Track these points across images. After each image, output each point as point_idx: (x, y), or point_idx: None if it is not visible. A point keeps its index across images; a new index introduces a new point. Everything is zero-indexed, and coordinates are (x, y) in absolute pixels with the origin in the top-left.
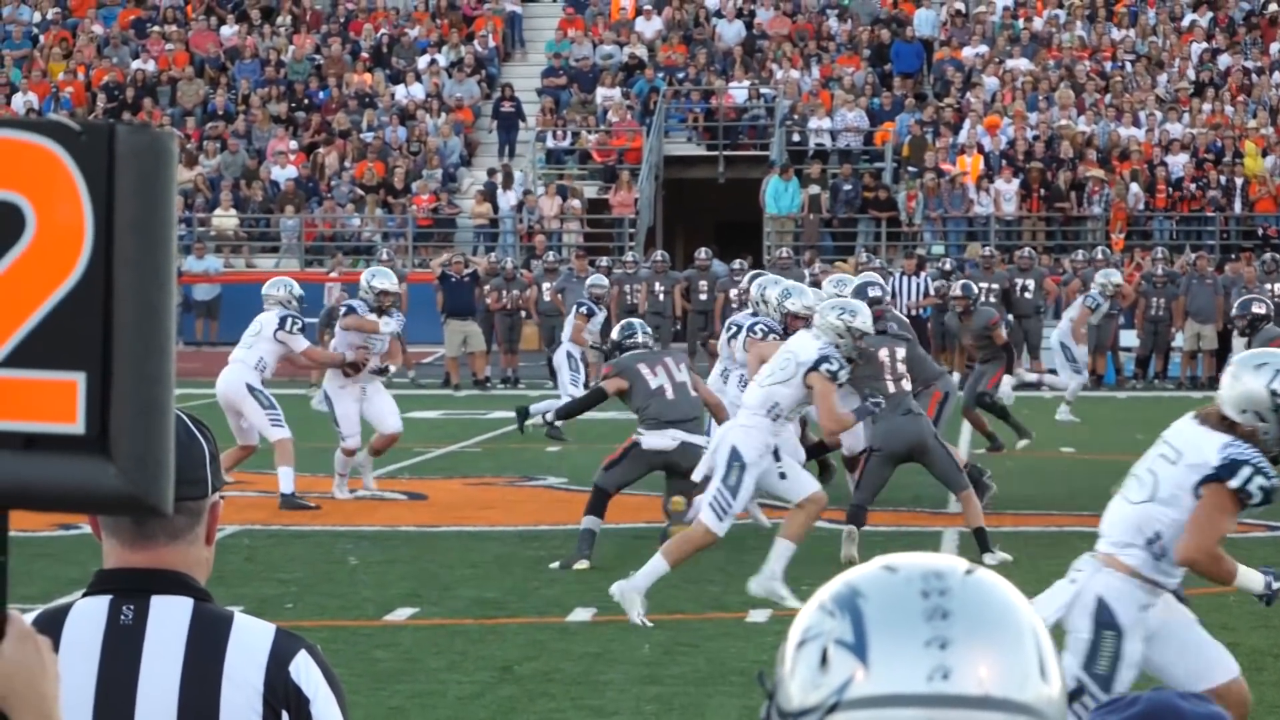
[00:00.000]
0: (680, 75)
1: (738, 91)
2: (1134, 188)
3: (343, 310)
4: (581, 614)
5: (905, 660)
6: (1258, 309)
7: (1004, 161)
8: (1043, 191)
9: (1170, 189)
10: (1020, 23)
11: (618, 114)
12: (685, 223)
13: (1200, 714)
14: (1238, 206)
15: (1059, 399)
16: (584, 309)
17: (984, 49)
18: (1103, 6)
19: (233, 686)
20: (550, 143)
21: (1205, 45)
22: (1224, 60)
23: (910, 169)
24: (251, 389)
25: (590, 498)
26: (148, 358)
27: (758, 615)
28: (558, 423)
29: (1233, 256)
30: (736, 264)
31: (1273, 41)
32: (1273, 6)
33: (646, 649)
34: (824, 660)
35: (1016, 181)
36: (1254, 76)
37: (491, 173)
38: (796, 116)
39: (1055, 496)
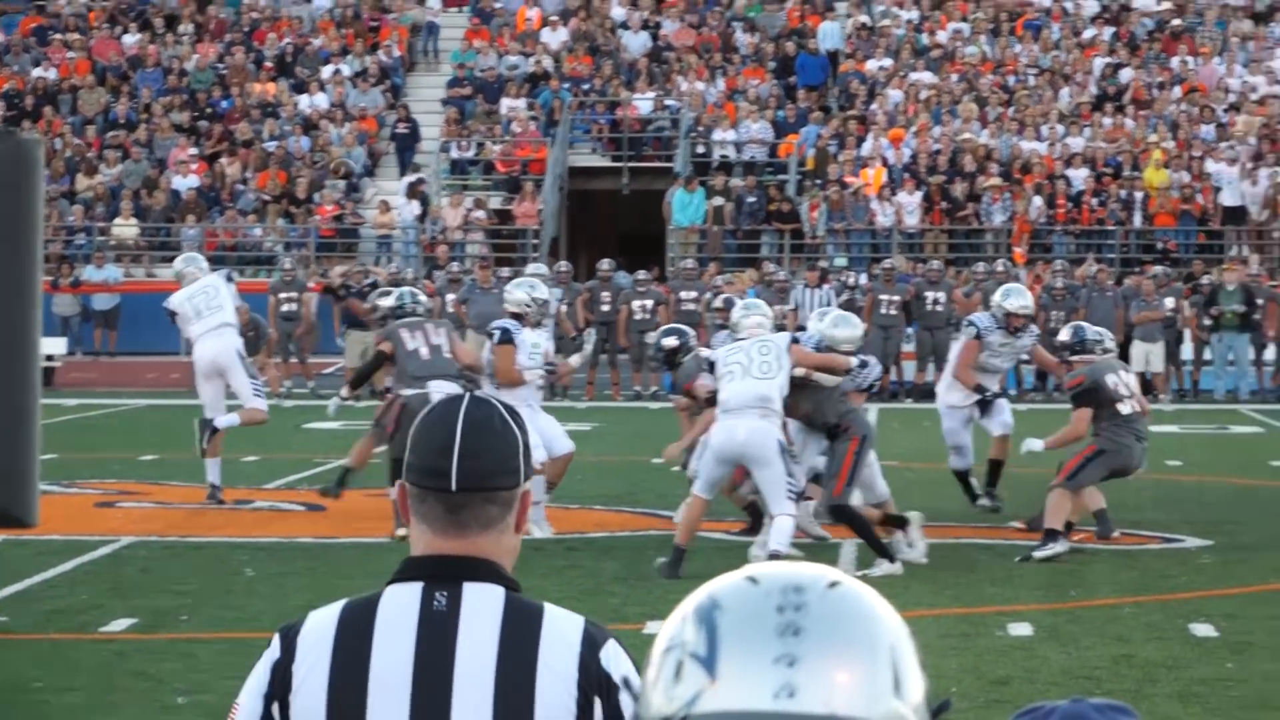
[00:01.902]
0: (585, 86)
1: (643, 103)
2: (1036, 201)
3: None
4: None
5: (753, 677)
6: None
7: (907, 174)
8: (944, 204)
9: (1071, 202)
10: (924, 36)
11: (522, 125)
12: (589, 234)
13: None
14: (1138, 220)
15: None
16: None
17: (888, 62)
18: (1006, 21)
19: (549, 674)
20: (454, 153)
21: (1107, 60)
22: (1126, 74)
23: (815, 181)
24: (240, 356)
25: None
26: (9, 367)
27: (656, 626)
28: (344, 395)
29: (1136, 270)
30: (641, 275)
31: (1174, 56)
32: (1175, 21)
33: None
34: (678, 672)
35: (919, 194)
36: (1155, 91)
37: (417, 183)
38: (701, 128)
39: (954, 509)
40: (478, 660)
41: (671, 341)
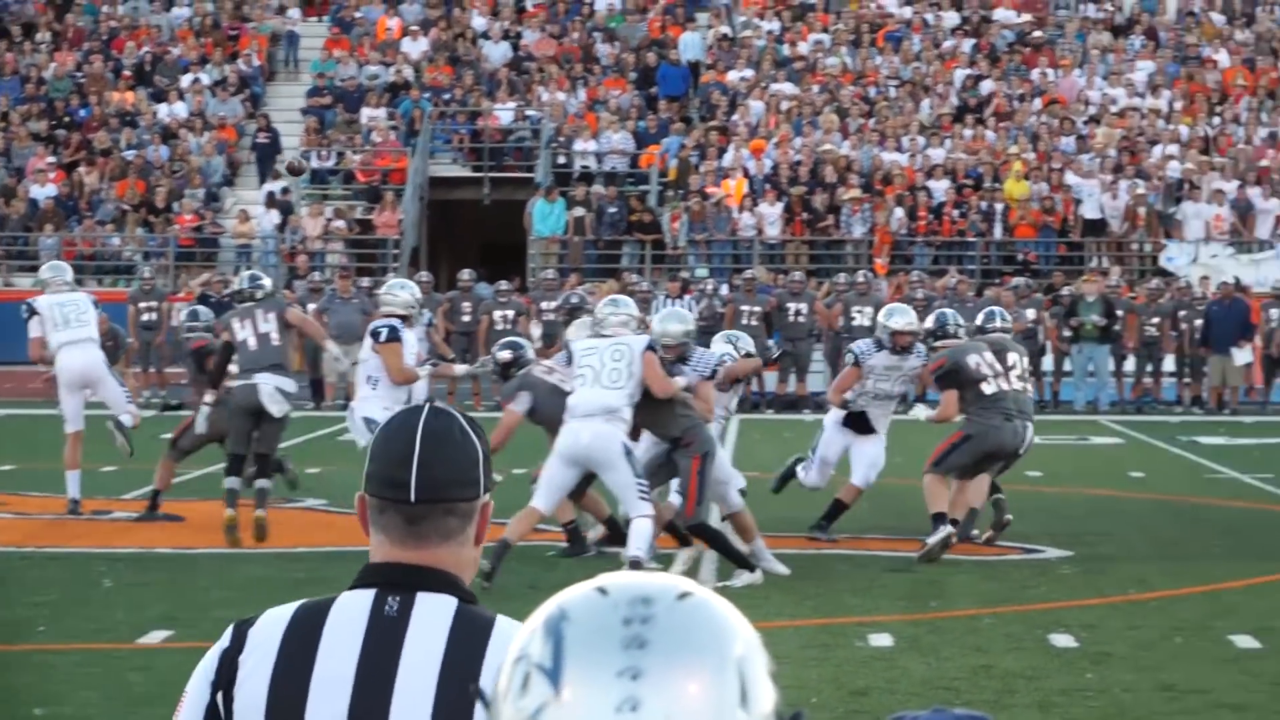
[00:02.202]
0: (446, 96)
1: (504, 113)
2: (897, 212)
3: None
4: None
5: (596, 690)
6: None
7: (768, 185)
8: (805, 215)
9: (932, 214)
10: (785, 47)
11: (382, 134)
12: (450, 244)
13: None
14: (998, 232)
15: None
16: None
17: (749, 73)
18: (867, 32)
19: (493, 676)
20: (314, 163)
21: (968, 71)
22: (986, 86)
23: (676, 191)
24: (109, 366)
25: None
26: None
27: None
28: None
29: (996, 281)
30: (502, 285)
31: (1034, 68)
32: (1035, 34)
33: None
34: (525, 684)
35: (780, 205)
36: (1015, 103)
37: (284, 192)
38: (562, 138)
39: (812, 518)
40: (422, 667)
41: (506, 355)
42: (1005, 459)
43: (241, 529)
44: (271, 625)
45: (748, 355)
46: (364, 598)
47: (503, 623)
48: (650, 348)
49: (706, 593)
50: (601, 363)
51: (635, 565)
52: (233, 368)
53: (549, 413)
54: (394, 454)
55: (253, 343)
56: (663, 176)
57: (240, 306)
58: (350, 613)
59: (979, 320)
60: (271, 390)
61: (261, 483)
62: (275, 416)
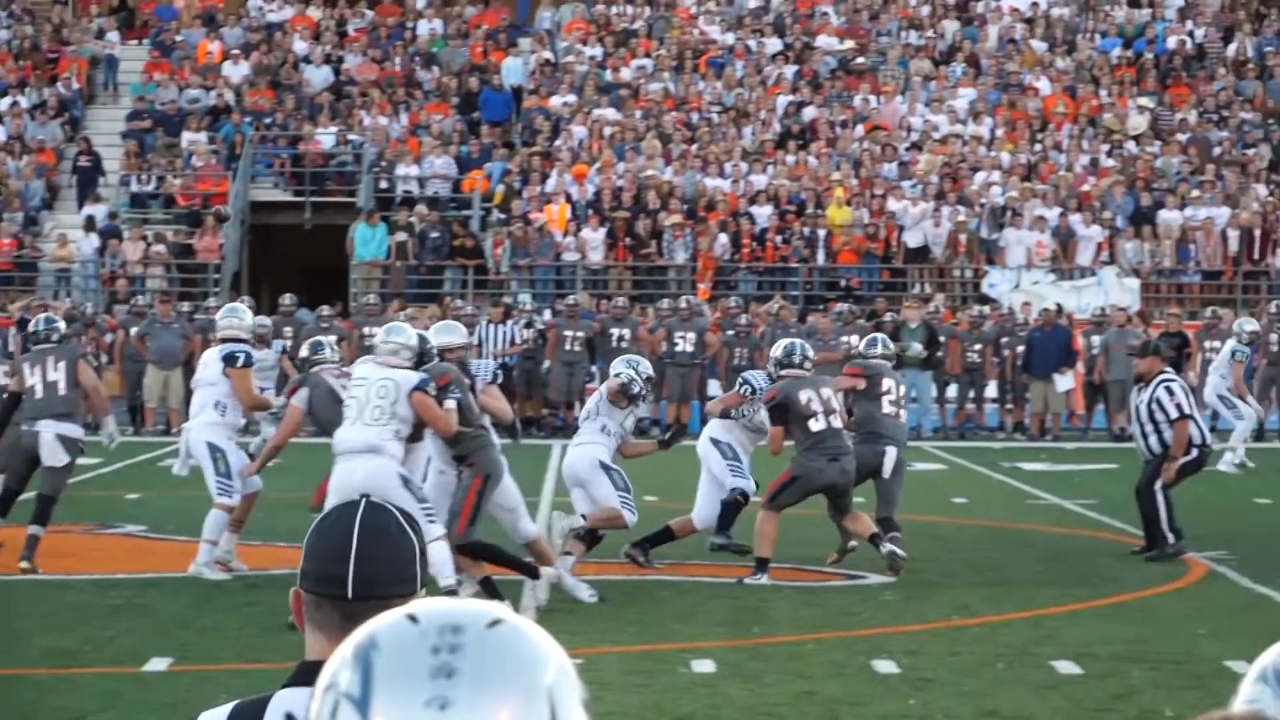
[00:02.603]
0: (267, 120)
1: (325, 137)
2: (720, 238)
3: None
4: (158, 664)
5: None
6: None
7: (591, 210)
8: (628, 240)
9: (755, 240)
10: (608, 73)
11: (203, 158)
12: (272, 269)
13: None
14: (821, 258)
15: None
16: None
17: (572, 98)
18: (689, 58)
19: None
20: (135, 187)
21: (790, 98)
22: (809, 112)
23: (499, 217)
24: None
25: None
26: None
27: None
28: None
29: (820, 307)
30: (324, 310)
31: (856, 94)
32: (858, 60)
33: (224, 698)
34: (334, 713)
35: (603, 230)
36: (838, 129)
37: (110, 215)
38: (384, 163)
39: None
40: None
41: (303, 351)
42: (843, 491)
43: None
44: None
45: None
46: (301, 698)
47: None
48: (419, 388)
49: (519, 620)
50: (367, 397)
51: (450, 593)
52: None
53: (323, 414)
54: (330, 550)
55: (40, 390)
56: (485, 201)
57: (34, 350)
58: (288, 715)
59: (861, 346)
60: (51, 440)
61: (33, 529)
62: (54, 466)
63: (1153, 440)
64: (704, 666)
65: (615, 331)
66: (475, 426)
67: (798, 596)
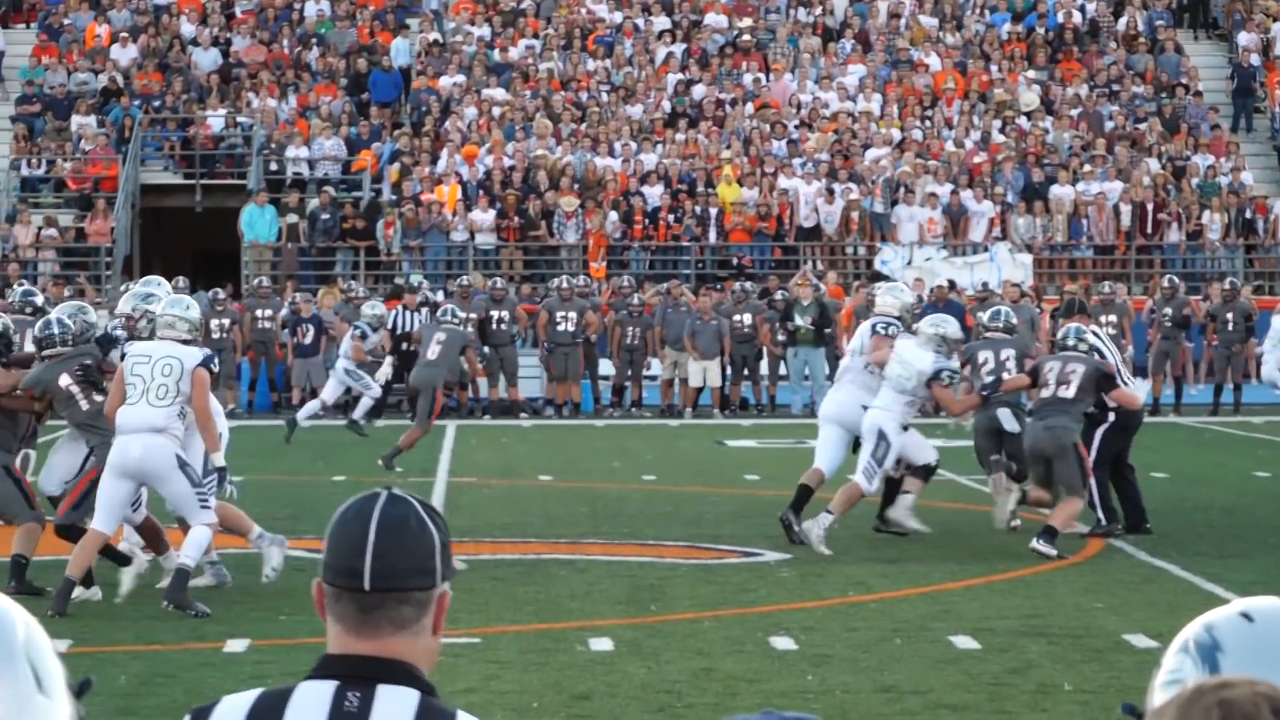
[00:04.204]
0: (156, 103)
1: (215, 120)
2: (611, 217)
3: None
4: (56, 645)
5: None
6: None
7: (481, 191)
8: (519, 220)
9: (647, 219)
10: (496, 53)
11: (93, 142)
12: (163, 252)
13: None
14: (713, 236)
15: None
16: (359, 331)
17: (461, 79)
18: (578, 38)
19: None
20: (25, 171)
21: (680, 76)
22: (698, 91)
23: (390, 198)
24: None
25: None
26: None
27: (235, 645)
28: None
29: (718, 286)
30: (217, 294)
31: (746, 72)
32: (746, 38)
33: (123, 680)
34: None
35: (494, 211)
36: (728, 107)
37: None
38: (274, 145)
39: (532, 523)
40: None
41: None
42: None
43: None
44: (231, 713)
45: None
46: (325, 690)
47: (464, 716)
48: (204, 364)
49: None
50: (151, 375)
51: (183, 571)
52: None
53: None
54: (349, 542)
55: None
56: (375, 183)
57: None
58: (311, 705)
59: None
60: None
61: None
62: None
63: None
64: (602, 645)
65: (495, 314)
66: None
67: (694, 574)
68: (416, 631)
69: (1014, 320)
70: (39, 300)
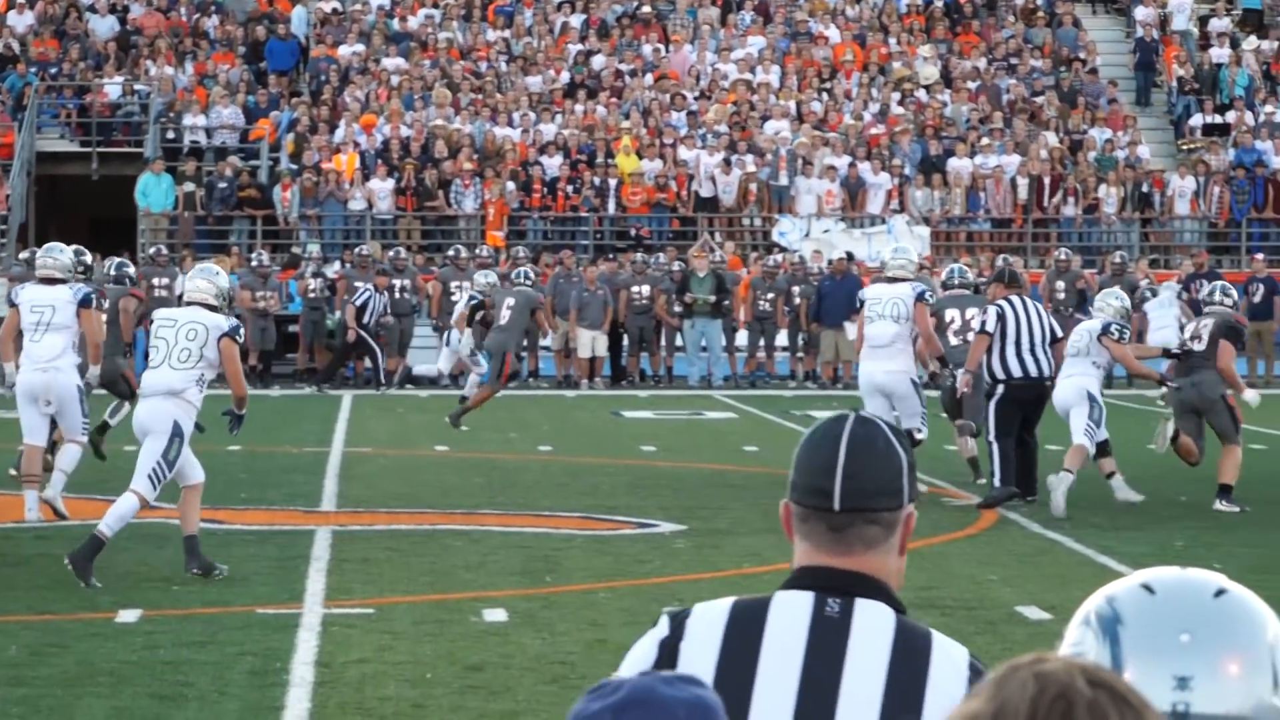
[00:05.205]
0: (53, 70)
1: (112, 88)
2: (509, 186)
3: None
4: None
5: None
6: None
7: (380, 160)
8: (417, 189)
9: (546, 189)
10: (395, 22)
11: None
12: (59, 220)
13: (682, 698)
14: (611, 207)
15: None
16: (475, 300)
17: (360, 48)
18: (478, 7)
19: (938, 696)
20: None
21: (579, 46)
22: (598, 61)
23: (288, 167)
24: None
25: None
26: None
27: (127, 615)
28: None
29: (609, 256)
30: (114, 262)
31: (645, 43)
32: (645, 9)
33: (14, 650)
34: None
35: (392, 180)
36: (627, 78)
37: None
38: (172, 114)
39: (428, 493)
40: (867, 671)
41: None
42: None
43: None
44: (711, 616)
45: None
46: (803, 599)
47: (939, 636)
48: (230, 334)
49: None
50: (175, 339)
51: (99, 538)
52: None
53: None
54: (818, 463)
55: None
56: (274, 151)
57: None
58: (791, 611)
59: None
60: None
61: None
62: None
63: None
64: (496, 616)
65: (397, 283)
66: None
67: (589, 545)
68: (885, 550)
69: (970, 276)
70: None
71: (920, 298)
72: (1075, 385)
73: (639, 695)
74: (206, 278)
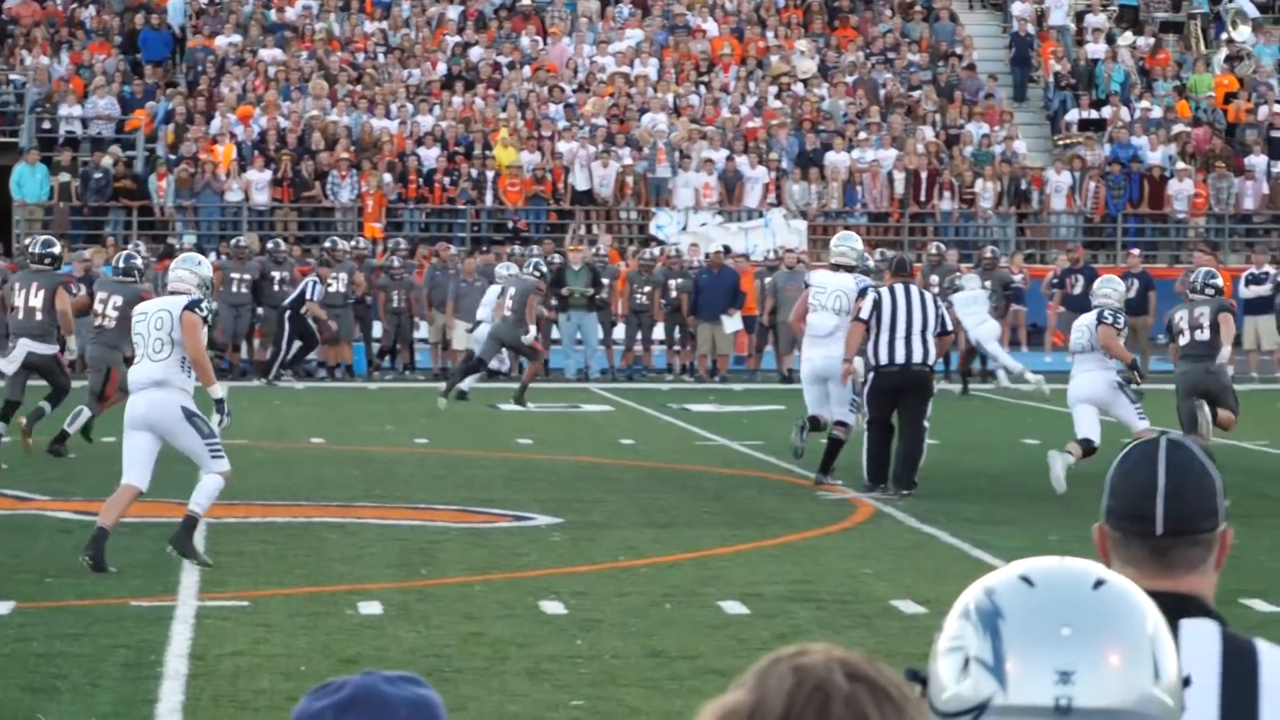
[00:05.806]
0: None
1: None
2: (386, 178)
3: None
4: None
5: None
6: None
7: (256, 151)
8: (293, 180)
9: (423, 180)
10: (273, 13)
11: None
12: None
13: (405, 697)
14: (489, 199)
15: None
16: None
17: (237, 38)
18: None
19: (1273, 705)
20: None
21: (457, 38)
22: (476, 53)
23: (165, 158)
24: None
25: None
26: None
27: (0, 607)
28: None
29: (484, 249)
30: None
31: (523, 35)
32: (524, 1)
33: None
34: None
35: (269, 171)
36: (505, 70)
37: None
38: (48, 104)
39: (303, 486)
40: (1200, 690)
41: None
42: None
43: None
44: None
45: None
46: (1206, 628)
47: (1264, 646)
48: (189, 307)
49: None
50: (149, 331)
51: (191, 519)
52: None
53: None
54: (1137, 487)
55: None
56: (150, 142)
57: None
58: None
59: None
60: None
61: None
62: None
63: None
64: (371, 608)
65: (276, 274)
66: None
67: (465, 538)
68: (1205, 571)
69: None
70: None
71: (863, 294)
72: (1088, 381)
73: (361, 694)
74: (188, 268)
